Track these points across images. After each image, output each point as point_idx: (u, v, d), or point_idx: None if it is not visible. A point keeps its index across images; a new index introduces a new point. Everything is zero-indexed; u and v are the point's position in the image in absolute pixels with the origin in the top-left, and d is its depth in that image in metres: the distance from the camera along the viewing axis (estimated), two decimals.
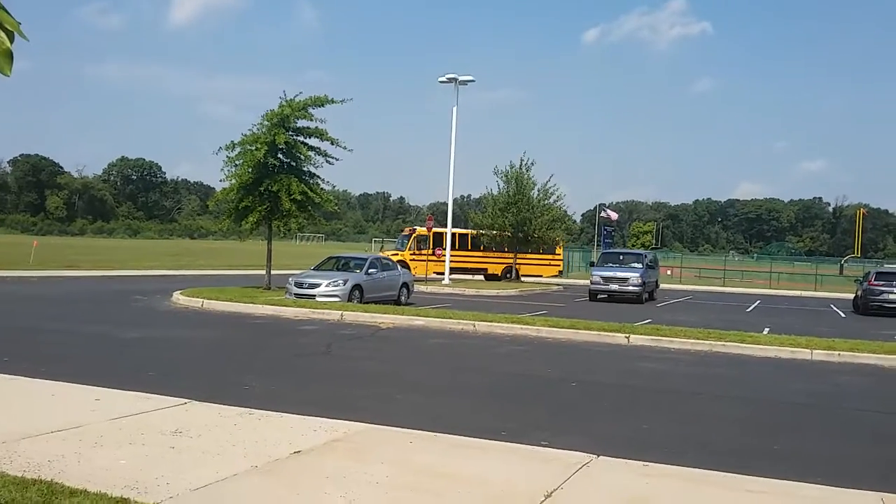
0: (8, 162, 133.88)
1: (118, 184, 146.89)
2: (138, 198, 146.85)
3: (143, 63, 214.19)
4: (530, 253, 39.34)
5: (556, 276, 42.49)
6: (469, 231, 39.11)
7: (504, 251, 39.10)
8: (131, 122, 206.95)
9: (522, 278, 39.56)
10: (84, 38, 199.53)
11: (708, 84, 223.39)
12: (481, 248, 39.11)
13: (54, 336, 13.67)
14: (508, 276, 39.34)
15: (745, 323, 20.97)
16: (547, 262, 41.78)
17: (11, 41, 2.38)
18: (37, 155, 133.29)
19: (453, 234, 37.38)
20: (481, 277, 39.05)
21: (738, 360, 13.70)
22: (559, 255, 42.85)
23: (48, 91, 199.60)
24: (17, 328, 14.54)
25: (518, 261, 39.51)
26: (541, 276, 41.16)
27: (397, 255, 34.85)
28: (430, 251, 35.04)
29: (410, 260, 35.51)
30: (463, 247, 38.21)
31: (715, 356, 13.97)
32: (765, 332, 17.37)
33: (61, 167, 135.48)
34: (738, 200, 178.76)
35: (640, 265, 29.40)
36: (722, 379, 11.97)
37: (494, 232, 37.61)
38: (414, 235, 37.61)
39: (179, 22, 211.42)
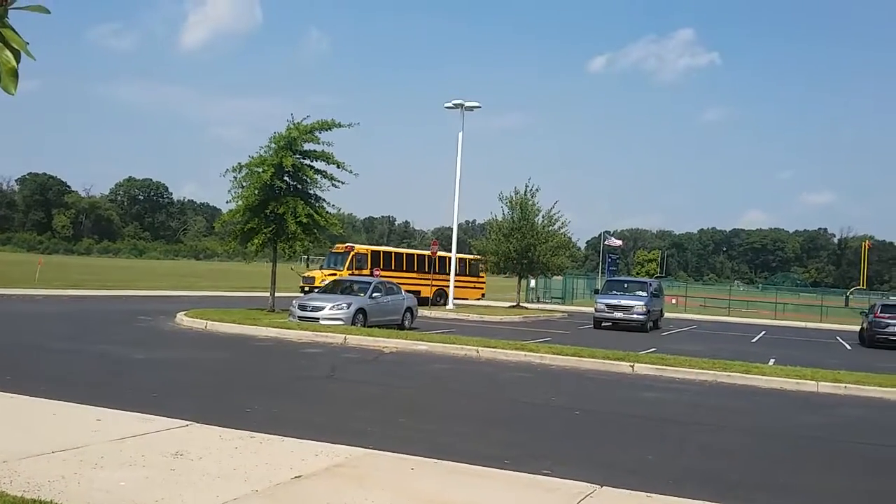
0: (16, 180, 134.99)
1: (125, 204, 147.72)
2: (144, 218, 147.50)
3: (153, 84, 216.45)
4: (458, 276, 37.33)
5: (479, 299, 40.87)
6: (403, 250, 35.94)
7: (436, 273, 36.11)
8: (139, 142, 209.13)
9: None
10: (96, 58, 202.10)
11: (715, 114, 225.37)
12: (415, 268, 36.95)
13: (57, 355, 13.66)
14: (439, 299, 36.30)
15: (750, 353, 20.85)
16: (472, 285, 40.54)
17: (18, 60, 2.40)
18: (45, 174, 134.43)
19: (388, 254, 35.89)
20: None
21: (744, 390, 13.60)
22: (483, 278, 41.23)
23: (58, 110, 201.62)
24: (21, 346, 14.53)
25: (445, 284, 37.13)
26: (466, 299, 39.12)
27: (335, 275, 32.07)
28: (370, 272, 32.88)
29: None
30: (398, 267, 36.00)
31: (720, 387, 13.88)
32: (770, 363, 17.26)
33: (69, 186, 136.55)
34: (742, 230, 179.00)
35: (644, 293, 29.32)
36: (727, 410, 11.88)
37: (497, 258, 37.57)
38: (353, 254, 34.60)
39: (190, 45, 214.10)
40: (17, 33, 2.41)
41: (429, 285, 35.65)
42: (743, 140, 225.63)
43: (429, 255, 38.07)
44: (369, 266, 33.94)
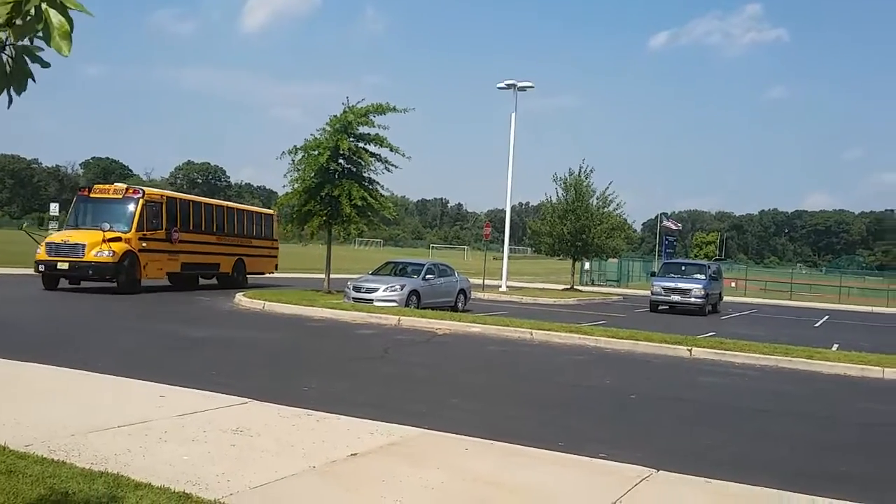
0: (80, 164, 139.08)
1: (184, 187, 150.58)
2: None
3: (213, 68, 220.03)
4: (253, 240, 28.04)
5: (273, 273, 30.17)
6: (203, 199, 25.25)
7: (234, 234, 26.95)
8: (198, 126, 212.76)
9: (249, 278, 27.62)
10: (157, 42, 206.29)
11: (780, 92, 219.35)
12: (214, 229, 26.09)
13: (122, 333, 14.08)
14: (236, 273, 26.83)
15: (812, 338, 20.34)
16: (267, 253, 29.29)
17: (72, 27, 2.45)
18: (107, 157, 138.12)
19: (173, 204, 23.94)
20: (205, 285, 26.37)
21: (805, 376, 13.27)
22: (276, 244, 30.20)
23: (120, 95, 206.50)
24: (86, 324, 15.03)
25: (244, 252, 27.44)
26: (262, 272, 28.90)
27: (120, 238, 21.15)
28: (165, 233, 22.90)
29: (141, 251, 21.80)
30: (197, 227, 24.88)
31: (781, 372, 13.57)
32: (834, 349, 16.80)
33: (130, 170, 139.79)
34: (805, 212, 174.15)
35: (703, 276, 28.80)
36: (788, 395, 11.62)
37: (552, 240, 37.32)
38: (143, 203, 22.16)
39: (250, 28, 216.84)
40: None
41: (228, 255, 26.63)
42: (808, 119, 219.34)
43: (238, 210, 28.84)
44: (164, 223, 22.97)
